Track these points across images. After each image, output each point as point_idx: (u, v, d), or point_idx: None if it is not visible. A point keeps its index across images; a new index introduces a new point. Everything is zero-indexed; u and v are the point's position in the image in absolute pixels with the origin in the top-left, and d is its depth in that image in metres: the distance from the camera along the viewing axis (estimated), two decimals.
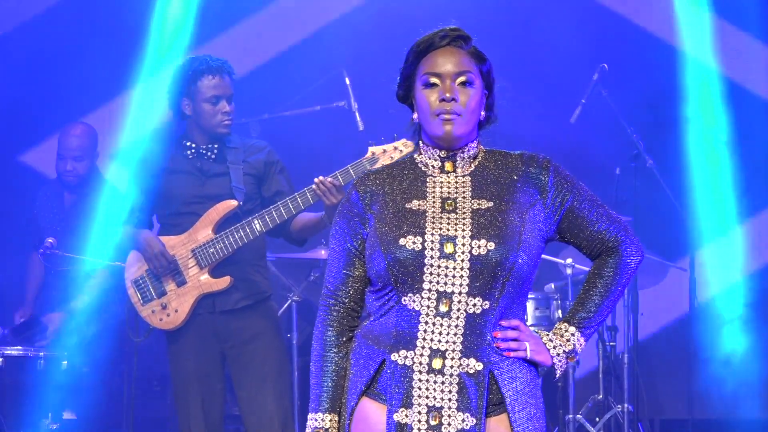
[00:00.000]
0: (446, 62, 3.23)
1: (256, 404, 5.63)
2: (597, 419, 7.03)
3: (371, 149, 5.34)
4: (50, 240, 6.38)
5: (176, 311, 5.68)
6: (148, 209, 5.82)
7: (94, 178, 6.78)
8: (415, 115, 3.29)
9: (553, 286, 7.05)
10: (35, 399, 6.31)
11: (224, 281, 5.64)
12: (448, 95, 3.20)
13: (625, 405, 6.79)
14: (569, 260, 6.82)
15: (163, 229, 5.81)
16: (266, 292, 5.76)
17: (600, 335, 7.09)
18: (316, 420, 3.25)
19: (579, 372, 7.01)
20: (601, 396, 7.10)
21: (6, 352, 6.30)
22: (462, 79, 3.22)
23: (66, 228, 6.68)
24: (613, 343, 7.08)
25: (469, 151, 3.29)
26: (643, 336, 7.16)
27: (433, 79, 3.22)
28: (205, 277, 5.65)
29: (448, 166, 3.28)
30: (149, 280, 5.74)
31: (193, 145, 5.74)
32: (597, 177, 7.46)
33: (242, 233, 5.59)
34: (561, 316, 6.75)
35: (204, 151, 5.73)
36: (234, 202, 5.66)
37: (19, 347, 6.39)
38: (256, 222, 5.57)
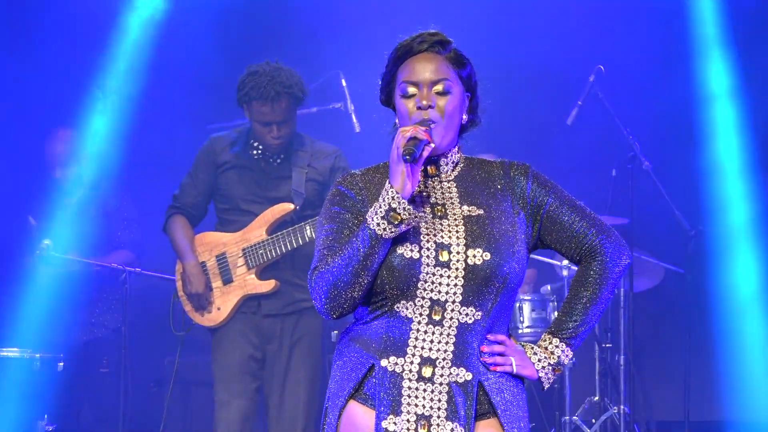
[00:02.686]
0: (424, 69, 3.22)
1: (285, 407, 5.63)
2: (593, 421, 7.03)
3: None
4: (46, 242, 6.38)
5: (219, 309, 5.67)
6: (203, 199, 5.77)
7: (85, 180, 6.83)
8: (398, 120, 3.28)
9: (549, 287, 7.05)
10: (31, 400, 6.31)
11: (269, 284, 5.63)
12: (424, 103, 3.19)
13: (622, 407, 6.79)
14: (565, 261, 6.82)
15: (219, 223, 5.77)
16: None
17: (596, 337, 7.10)
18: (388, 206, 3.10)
19: (575, 374, 7.01)
20: (597, 398, 7.10)
21: (2, 353, 6.30)
22: (439, 88, 3.21)
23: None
24: (610, 345, 7.08)
25: (452, 156, 3.28)
26: (639, 337, 7.15)
27: (411, 88, 3.22)
28: (251, 277, 5.64)
29: (431, 169, 3.27)
30: None
31: (260, 146, 5.70)
32: (593, 179, 7.47)
33: (293, 238, 5.56)
34: None
35: (269, 154, 5.70)
36: (290, 206, 5.63)
37: (15, 348, 6.39)
38: (308, 228, 5.54)
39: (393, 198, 3.09)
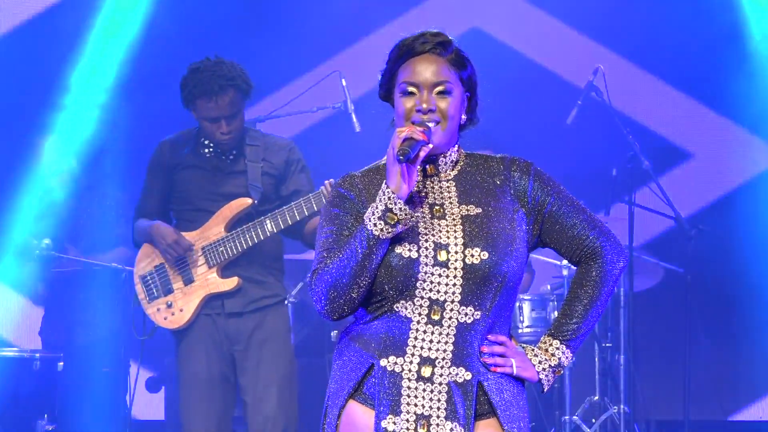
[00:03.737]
0: (425, 71, 3.21)
1: (260, 410, 5.54)
2: (593, 420, 7.04)
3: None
4: (46, 241, 6.38)
5: (181, 311, 5.59)
6: (163, 205, 5.70)
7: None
8: (395, 118, 3.27)
9: (549, 287, 7.05)
10: (31, 400, 6.31)
11: (232, 282, 5.55)
12: (425, 106, 3.19)
13: (621, 406, 6.80)
14: (565, 261, 6.82)
15: (177, 225, 5.69)
16: (279, 295, 5.65)
17: (596, 337, 7.10)
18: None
19: (575, 373, 7.01)
20: (597, 397, 7.11)
21: (2, 353, 6.30)
22: (440, 89, 3.20)
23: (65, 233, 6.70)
24: (610, 345, 7.09)
25: (450, 155, 3.28)
26: (639, 337, 7.16)
27: (411, 89, 3.21)
28: (212, 276, 5.56)
29: (429, 169, 3.27)
30: (157, 277, 5.64)
31: (211, 144, 5.63)
32: (593, 178, 7.46)
33: (253, 233, 5.48)
34: None
35: (221, 151, 5.63)
36: (248, 200, 5.54)
37: (15, 348, 6.39)
38: (268, 222, 5.47)
39: (389, 199, 3.10)
